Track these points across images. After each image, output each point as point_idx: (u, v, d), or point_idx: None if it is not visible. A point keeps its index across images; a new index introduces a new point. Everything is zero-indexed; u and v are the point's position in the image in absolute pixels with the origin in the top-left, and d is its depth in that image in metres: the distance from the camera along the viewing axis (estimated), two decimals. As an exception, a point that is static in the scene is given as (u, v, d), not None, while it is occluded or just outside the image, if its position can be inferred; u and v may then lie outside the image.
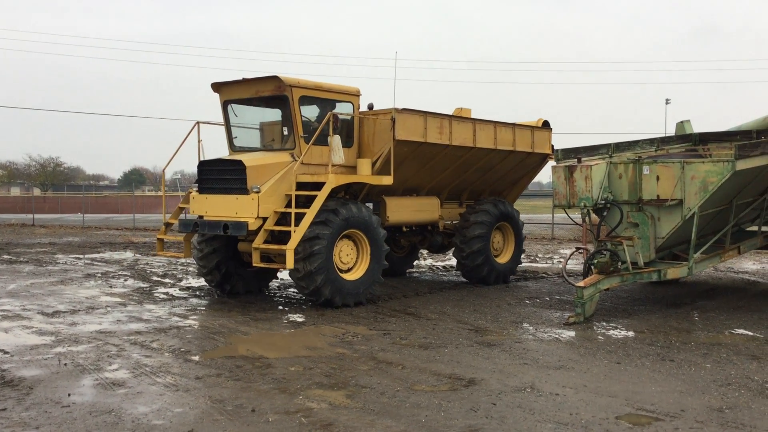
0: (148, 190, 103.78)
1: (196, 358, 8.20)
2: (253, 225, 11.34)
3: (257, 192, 11.39)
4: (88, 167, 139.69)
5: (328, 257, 11.33)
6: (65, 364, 7.86)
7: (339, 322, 10.49)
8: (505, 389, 6.91)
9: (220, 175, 11.96)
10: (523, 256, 16.39)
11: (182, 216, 13.12)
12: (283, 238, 11.59)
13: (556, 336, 9.52)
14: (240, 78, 12.47)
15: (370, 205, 13.03)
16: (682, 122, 14.95)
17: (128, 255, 21.26)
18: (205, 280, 13.27)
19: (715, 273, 16.39)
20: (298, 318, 10.81)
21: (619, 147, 12.75)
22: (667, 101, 66.57)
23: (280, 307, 11.73)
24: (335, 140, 11.70)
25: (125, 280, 15.11)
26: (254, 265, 11.50)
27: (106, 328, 9.90)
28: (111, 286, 14.20)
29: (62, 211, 63.74)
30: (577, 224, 13.64)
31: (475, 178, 15.08)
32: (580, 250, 13.00)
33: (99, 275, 15.98)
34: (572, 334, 9.69)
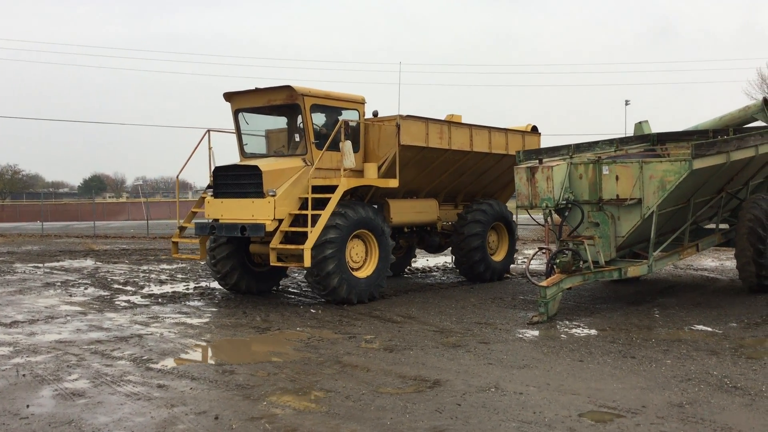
0: (109, 197, 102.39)
1: (158, 366, 8.09)
2: (270, 227, 11.93)
3: (273, 195, 12.01)
4: (47, 174, 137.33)
5: (341, 254, 11.99)
6: (24, 375, 7.70)
7: (304, 326, 10.44)
8: (469, 390, 6.94)
9: (236, 180, 12.56)
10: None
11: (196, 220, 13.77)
12: (296, 239, 12.17)
13: (520, 336, 9.59)
14: (252, 87, 13.07)
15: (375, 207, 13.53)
16: (640, 123, 15.18)
17: (89, 263, 20.92)
18: (219, 282, 13.84)
19: (675, 270, 16.66)
20: (263, 324, 10.73)
21: (580, 148, 12.91)
22: (627, 102, 67.76)
23: (245, 313, 11.63)
24: (347, 146, 12.42)
25: (85, 289, 14.87)
26: (271, 264, 12.15)
27: (66, 338, 9.72)
28: (71, 295, 13.95)
29: (21, 219, 62.51)
30: (539, 224, 13.76)
31: (471, 180, 15.78)
32: (542, 250, 13.10)
33: (58, 284, 15.70)
34: (536, 333, 9.77)
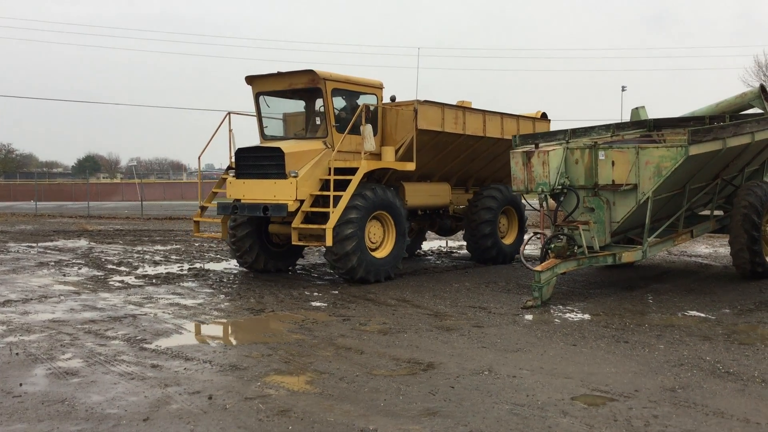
0: (103, 177, 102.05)
1: (152, 346, 8.08)
2: (292, 207, 12.29)
3: (295, 176, 12.33)
4: (41, 154, 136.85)
5: (361, 235, 12.39)
6: (17, 354, 7.69)
7: (298, 308, 10.44)
8: (463, 372, 6.95)
9: (258, 161, 12.88)
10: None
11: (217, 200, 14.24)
12: (315, 219, 12.59)
13: (514, 320, 9.60)
14: (275, 71, 13.44)
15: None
16: (637, 108, 15.14)
17: (82, 243, 20.88)
18: (238, 261, 14.28)
19: (669, 256, 16.70)
20: (257, 305, 10.73)
21: (576, 133, 12.88)
22: (623, 88, 67.59)
23: (239, 295, 11.63)
24: (367, 129, 12.72)
25: (79, 269, 14.84)
26: (293, 243, 12.47)
27: (59, 317, 9.71)
28: (64, 275, 13.92)
29: (14, 199, 62.39)
30: (534, 209, 13.78)
31: (482, 165, 16.07)
32: (537, 235, 13.12)
33: (52, 263, 15.66)
34: (530, 317, 9.79)
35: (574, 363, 7.33)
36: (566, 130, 12.81)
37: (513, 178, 11.53)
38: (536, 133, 13.17)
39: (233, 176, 13.32)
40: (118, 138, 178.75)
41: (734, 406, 5.95)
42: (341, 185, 12.43)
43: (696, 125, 12.93)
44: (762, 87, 14.43)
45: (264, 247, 14.00)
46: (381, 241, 13.15)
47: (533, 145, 11.69)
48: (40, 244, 20.35)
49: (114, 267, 15.14)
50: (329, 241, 11.94)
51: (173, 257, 16.93)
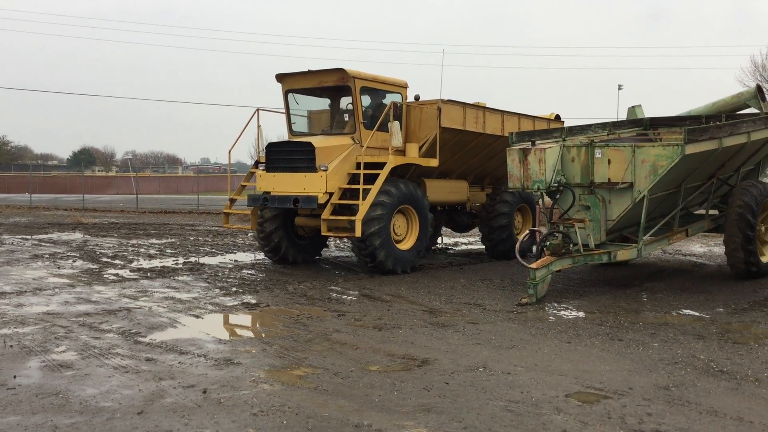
0: (98, 170, 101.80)
1: (146, 339, 8.07)
2: (321, 199, 12.83)
3: (325, 170, 12.87)
4: (36, 146, 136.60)
5: (387, 227, 12.93)
6: (11, 346, 7.67)
7: (293, 303, 10.44)
8: (457, 369, 6.96)
9: (289, 156, 13.40)
10: (477, 238, 17.11)
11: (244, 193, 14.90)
12: (341, 212, 13.16)
13: (509, 317, 9.61)
14: (305, 70, 13.94)
15: None
16: (633, 107, 15.16)
17: (77, 236, 20.83)
18: (266, 254, 14.71)
19: (664, 255, 16.74)
20: (252, 300, 10.72)
21: (572, 131, 12.88)
22: (620, 87, 67.45)
23: (234, 289, 11.62)
24: (395, 126, 13.42)
25: (74, 261, 14.81)
26: (323, 234, 13.00)
27: (54, 310, 9.69)
28: (59, 267, 13.89)
29: (9, 191, 62.21)
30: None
31: (499, 164, 16.33)
32: (533, 232, 13.14)
33: (47, 256, 15.63)
34: (524, 314, 9.80)
35: (568, 360, 7.35)
36: (563, 128, 12.82)
37: (509, 176, 11.52)
38: (533, 130, 13.20)
39: (263, 170, 13.77)
40: (114, 131, 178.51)
41: (727, 404, 5.97)
42: (368, 179, 12.87)
43: (692, 124, 12.94)
44: (758, 87, 14.46)
45: (291, 240, 14.47)
46: (405, 234, 13.62)
47: (530, 143, 11.69)
48: (34, 237, 20.31)
49: (109, 260, 15.11)
50: (358, 232, 12.39)
51: (168, 251, 16.91)
